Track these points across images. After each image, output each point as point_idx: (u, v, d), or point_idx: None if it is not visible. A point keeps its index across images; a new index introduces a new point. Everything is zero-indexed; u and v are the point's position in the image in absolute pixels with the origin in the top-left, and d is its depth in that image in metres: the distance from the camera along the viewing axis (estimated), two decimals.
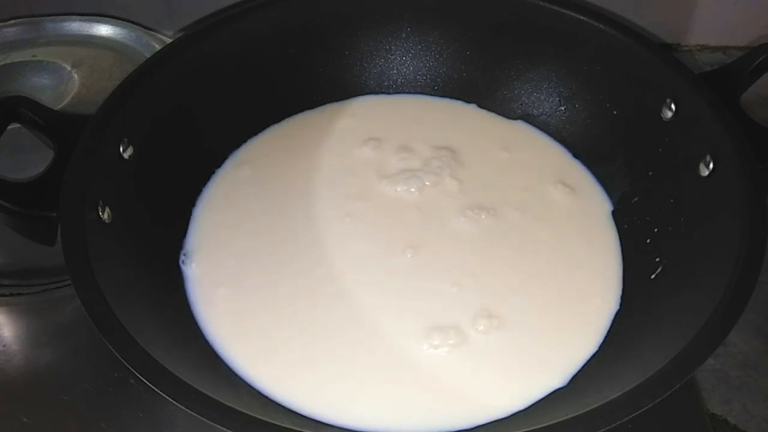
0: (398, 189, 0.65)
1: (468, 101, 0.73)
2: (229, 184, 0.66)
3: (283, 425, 0.40)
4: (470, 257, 0.60)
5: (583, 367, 0.54)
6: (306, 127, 0.71)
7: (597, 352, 0.55)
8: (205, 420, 0.40)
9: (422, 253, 0.60)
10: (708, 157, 0.55)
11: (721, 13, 0.87)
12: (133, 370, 0.43)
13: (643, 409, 0.41)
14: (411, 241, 0.61)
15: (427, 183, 0.65)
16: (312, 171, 0.67)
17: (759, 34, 0.87)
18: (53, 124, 0.56)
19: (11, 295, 0.69)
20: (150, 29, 0.80)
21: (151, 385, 0.42)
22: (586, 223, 0.63)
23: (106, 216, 0.53)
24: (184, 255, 0.61)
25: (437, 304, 0.57)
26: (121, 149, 0.57)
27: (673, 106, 0.60)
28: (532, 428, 0.41)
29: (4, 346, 0.65)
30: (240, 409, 0.41)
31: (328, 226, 0.63)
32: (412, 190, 0.65)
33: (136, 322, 0.46)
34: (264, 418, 0.41)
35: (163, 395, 0.41)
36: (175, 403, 0.41)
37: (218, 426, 0.40)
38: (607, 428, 0.40)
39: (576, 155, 0.68)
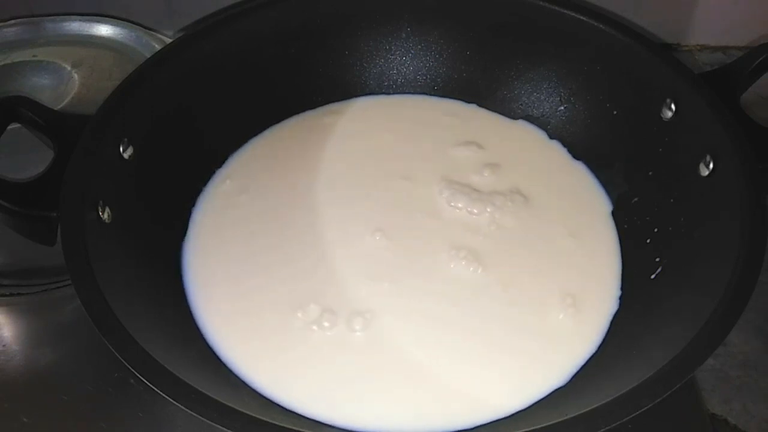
0: (443, 194, 0.65)
1: (468, 101, 0.73)
2: (230, 184, 0.66)
3: (283, 425, 0.40)
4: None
5: (583, 367, 0.54)
6: (307, 127, 0.71)
7: (597, 352, 0.55)
8: (205, 420, 0.40)
9: (388, 247, 0.61)
10: (708, 157, 0.55)
11: (721, 13, 0.87)
12: (133, 370, 0.42)
13: (643, 409, 0.41)
14: (390, 233, 0.62)
15: (474, 210, 0.63)
16: (316, 171, 0.67)
17: (759, 34, 0.87)
18: (53, 124, 0.56)
19: (11, 295, 0.69)
20: (150, 29, 0.80)
21: (151, 385, 0.42)
22: (585, 221, 0.63)
23: (106, 216, 0.53)
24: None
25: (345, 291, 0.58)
26: (121, 149, 0.57)
27: (673, 106, 0.60)
28: (532, 428, 0.41)
29: (4, 346, 0.65)
30: (240, 409, 0.41)
31: (329, 214, 0.64)
32: (452, 203, 0.64)
33: (136, 322, 0.46)
34: (264, 418, 0.41)
35: (163, 395, 0.41)
36: (175, 403, 0.41)
37: (218, 426, 0.40)
38: (607, 428, 0.40)
39: (575, 156, 0.68)
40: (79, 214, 0.51)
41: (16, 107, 0.56)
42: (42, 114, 0.57)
